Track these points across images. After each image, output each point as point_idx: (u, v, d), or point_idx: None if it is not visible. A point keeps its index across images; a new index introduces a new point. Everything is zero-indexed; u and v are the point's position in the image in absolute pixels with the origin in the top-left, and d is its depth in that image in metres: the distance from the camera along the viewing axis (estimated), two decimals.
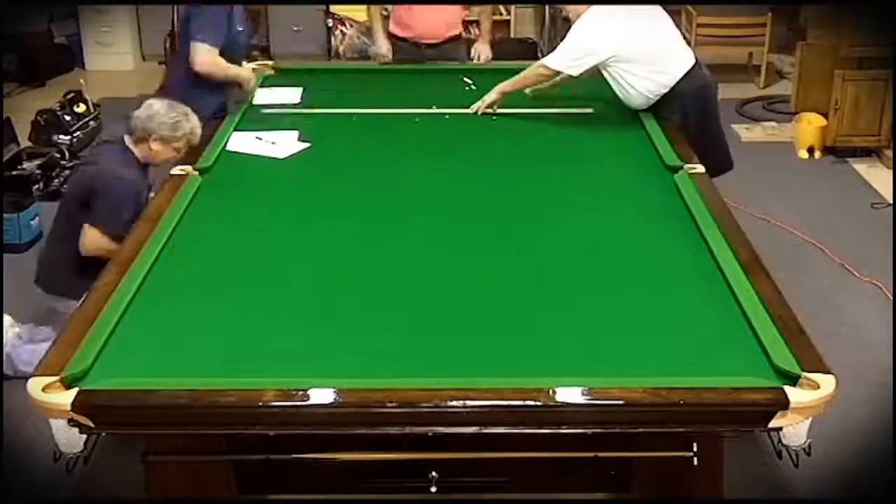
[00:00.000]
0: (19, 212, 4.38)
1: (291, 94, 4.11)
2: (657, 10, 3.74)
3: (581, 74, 3.66)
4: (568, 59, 3.63)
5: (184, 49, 3.86)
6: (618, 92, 3.73)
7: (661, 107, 3.68)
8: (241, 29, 3.91)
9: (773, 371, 2.04)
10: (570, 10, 3.76)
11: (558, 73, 3.68)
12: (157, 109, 3.22)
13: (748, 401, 1.95)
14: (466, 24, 5.47)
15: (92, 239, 3.17)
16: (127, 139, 3.25)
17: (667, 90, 3.62)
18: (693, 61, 3.66)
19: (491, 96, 3.84)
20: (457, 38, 4.80)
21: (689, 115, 3.62)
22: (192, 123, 3.26)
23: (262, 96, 4.05)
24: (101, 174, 3.21)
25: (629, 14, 3.62)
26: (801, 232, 4.52)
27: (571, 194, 3.12)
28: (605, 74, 3.68)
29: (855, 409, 3.15)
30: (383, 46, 4.72)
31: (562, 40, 3.73)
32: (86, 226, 3.16)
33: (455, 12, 4.78)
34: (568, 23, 3.79)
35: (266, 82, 4.24)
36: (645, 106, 3.71)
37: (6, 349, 3.37)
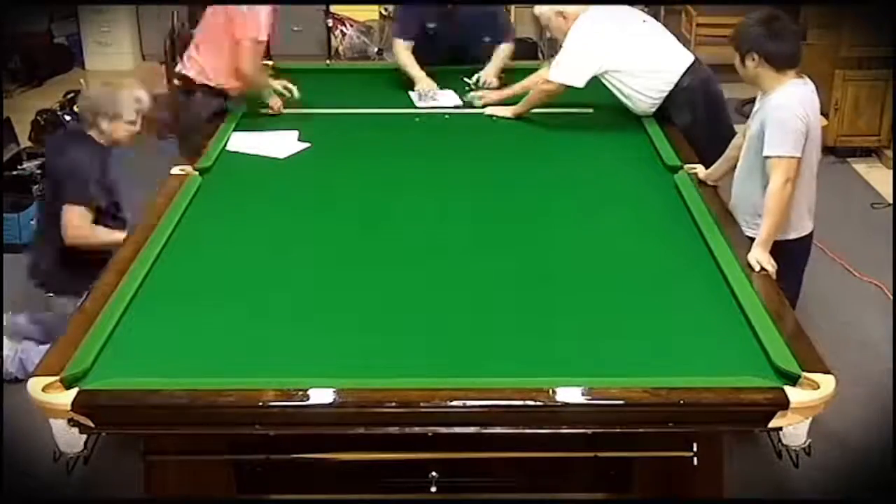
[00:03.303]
0: (19, 212, 4.37)
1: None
2: (641, 14, 3.76)
3: (586, 84, 3.62)
4: (569, 68, 3.58)
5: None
6: (623, 100, 3.68)
7: (668, 108, 3.64)
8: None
9: (773, 371, 2.04)
10: (554, 28, 3.70)
11: (564, 85, 3.60)
12: (94, 92, 3.32)
13: (748, 401, 1.95)
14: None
15: (69, 221, 3.14)
16: (83, 127, 3.29)
17: (672, 87, 3.59)
18: (692, 57, 3.65)
19: (507, 113, 3.82)
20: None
21: (699, 111, 3.58)
22: (134, 93, 3.26)
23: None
24: (59, 162, 3.26)
25: (615, 16, 3.63)
26: None
27: (571, 194, 3.11)
28: (609, 86, 3.65)
29: (855, 409, 3.15)
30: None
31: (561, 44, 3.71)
32: (62, 211, 3.16)
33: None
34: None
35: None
36: (651, 110, 3.67)
37: (19, 354, 3.37)
